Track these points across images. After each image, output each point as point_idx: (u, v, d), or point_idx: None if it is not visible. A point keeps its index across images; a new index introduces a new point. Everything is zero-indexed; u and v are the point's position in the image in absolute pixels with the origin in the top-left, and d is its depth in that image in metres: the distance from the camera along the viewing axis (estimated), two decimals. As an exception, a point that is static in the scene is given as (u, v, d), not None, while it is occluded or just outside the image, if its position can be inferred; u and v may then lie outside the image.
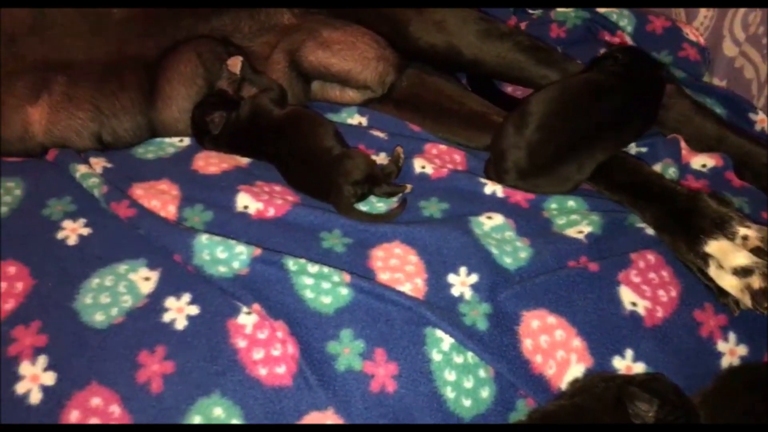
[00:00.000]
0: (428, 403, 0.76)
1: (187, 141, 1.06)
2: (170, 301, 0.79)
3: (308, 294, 0.81)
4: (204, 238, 0.83)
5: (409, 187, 0.96)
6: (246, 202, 0.91)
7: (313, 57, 1.09)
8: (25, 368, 0.73)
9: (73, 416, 0.71)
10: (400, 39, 1.13)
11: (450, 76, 1.19)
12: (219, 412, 0.73)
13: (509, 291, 0.82)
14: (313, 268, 0.81)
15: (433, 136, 1.09)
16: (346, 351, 0.77)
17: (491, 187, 0.97)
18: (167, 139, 1.06)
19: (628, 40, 1.22)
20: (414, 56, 1.14)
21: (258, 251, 0.82)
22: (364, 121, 1.12)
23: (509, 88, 1.19)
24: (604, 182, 0.96)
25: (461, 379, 0.77)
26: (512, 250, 0.87)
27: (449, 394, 0.76)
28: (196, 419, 0.72)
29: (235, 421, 0.73)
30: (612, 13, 1.27)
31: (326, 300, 0.80)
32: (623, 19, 1.25)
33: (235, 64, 1.07)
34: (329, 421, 0.74)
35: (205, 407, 0.73)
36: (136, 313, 0.78)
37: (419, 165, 1.01)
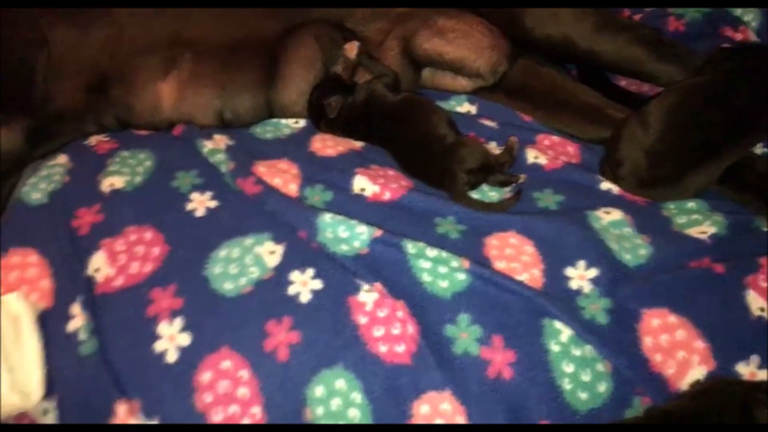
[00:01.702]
0: (544, 392, 0.76)
1: (302, 123, 1.09)
2: (295, 275, 0.83)
3: (425, 277, 0.82)
4: (327, 217, 0.86)
5: (523, 177, 0.96)
6: (363, 184, 0.94)
7: (428, 44, 1.10)
8: (163, 328, 0.78)
9: (206, 377, 0.76)
10: (515, 29, 1.12)
11: (560, 67, 1.18)
12: (341, 384, 0.76)
13: (629, 287, 0.81)
14: (432, 252, 0.83)
15: (545, 127, 1.09)
16: (464, 335, 0.78)
17: (607, 184, 0.96)
18: (283, 120, 1.09)
19: (753, 37, 1.18)
20: (528, 47, 1.13)
21: (378, 232, 0.85)
22: (473, 109, 1.13)
23: (623, 82, 1.17)
24: (730, 183, 0.93)
25: (579, 372, 0.77)
26: (632, 247, 0.86)
27: (566, 385, 0.77)
28: (319, 389, 0.76)
29: (355, 394, 0.75)
30: (735, 9, 1.22)
31: (443, 284, 0.82)
32: (748, 14, 1.19)
33: (352, 49, 1.09)
34: (446, 402, 0.75)
35: (328, 378, 0.76)
36: (263, 284, 0.82)
37: (532, 155, 1.01)
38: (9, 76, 0.96)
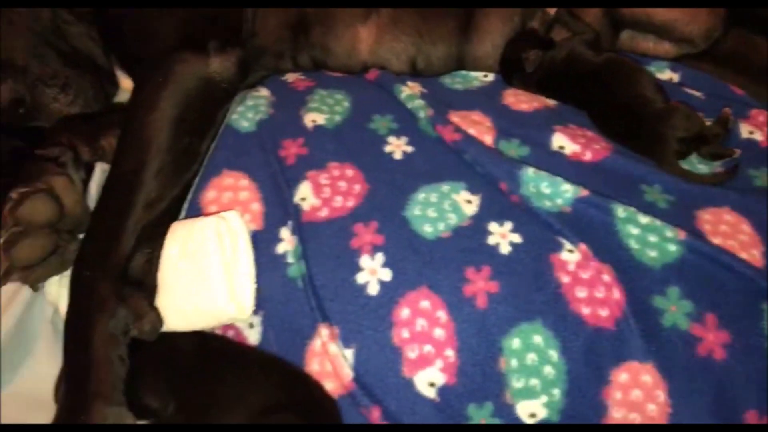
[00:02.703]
0: (757, 382, 0.72)
1: (491, 77, 1.07)
2: (493, 226, 0.82)
3: (633, 244, 0.79)
4: (530, 171, 0.84)
5: (737, 151, 0.90)
6: (562, 142, 0.91)
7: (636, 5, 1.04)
8: (365, 261, 0.80)
9: (404, 313, 0.77)
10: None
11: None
12: (538, 339, 0.75)
13: None
14: (644, 219, 0.79)
15: (760, 102, 1.00)
16: (673, 308, 0.75)
17: (835, 168, 0.88)
18: (473, 73, 1.08)
19: None
20: (746, 14, 1.04)
21: (585, 192, 0.82)
22: (675, 77, 1.05)
23: None
24: None
25: (803, 366, 0.72)
26: None
27: (785, 378, 0.72)
28: (516, 341, 0.75)
29: (552, 352, 0.74)
30: None
31: (652, 253, 0.78)
32: None
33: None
34: (647, 374, 0.73)
35: (526, 332, 0.75)
36: (461, 231, 0.82)
37: (746, 130, 0.93)
38: (224, 8, 1.01)
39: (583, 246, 0.78)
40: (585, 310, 0.75)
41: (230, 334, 0.82)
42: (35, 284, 0.78)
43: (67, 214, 0.78)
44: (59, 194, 0.78)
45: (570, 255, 0.79)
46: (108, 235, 0.77)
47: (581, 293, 0.76)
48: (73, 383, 0.70)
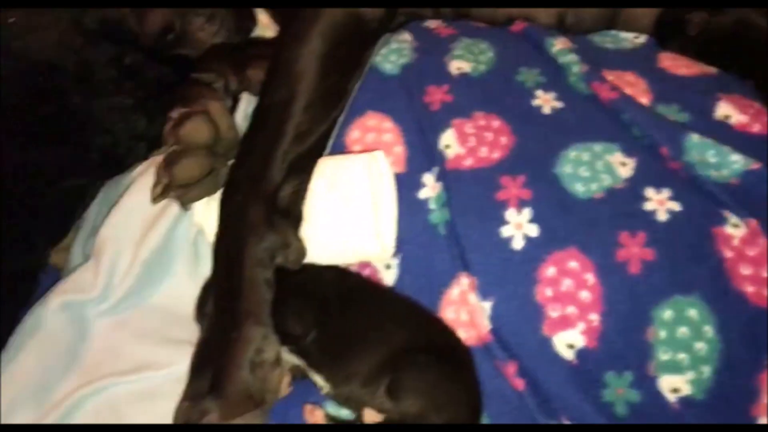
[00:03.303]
0: None
1: (642, 38, 1.00)
2: (650, 192, 0.77)
3: (808, 225, 0.74)
4: (695, 137, 0.79)
5: None
6: (727, 111, 0.84)
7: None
8: (511, 215, 0.78)
9: (550, 272, 0.75)
10: None
11: None
12: (693, 313, 0.71)
13: None
14: (823, 200, 0.73)
15: None
16: None
17: None
18: (623, 33, 1.01)
19: None
20: None
21: (756, 165, 0.76)
22: None
23: None
24: None
25: None
26: None
27: None
28: (668, 313, 0.71)
29: (707, 328, 0.70)
30: None
31: (829, 237, 0.73)
32: None
33: (724, -37, 0.97)
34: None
35: (681, 304, 0.71)
36: (615, 193, 0.78)
37: None
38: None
39: (752, 221, 0.73)
40: (749, 289, 0.70)
41: (366, 272, 0.83)
42: (187, 204, 0.80)
43: (221, 138, 0.80)
44: (215, 118, 0.80)
45: (735, 229, 0.73)
46: (259, 162, 0.78)
47: (746, 271, 0.71)
48: (223, 302, 0.72)
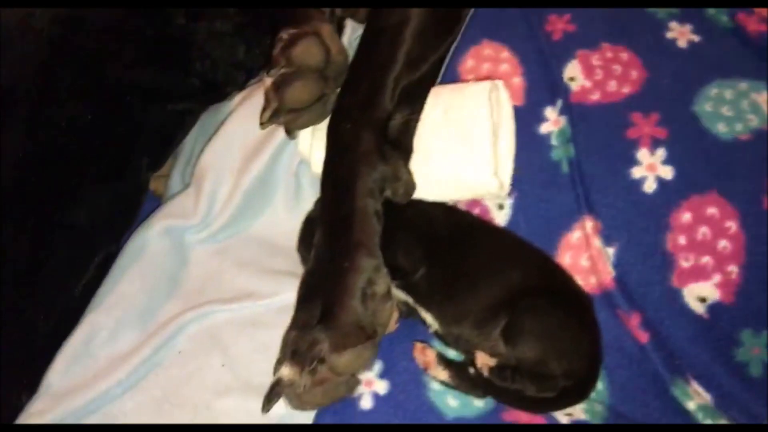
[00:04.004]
0: None
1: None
2: (804, 135, 0.70)
3: None
4: None
5: None
6: None
7: None
8: (643, 155, 0.71)
9: (685, 218, 0.69)
10: None
11: None
12: None
13: None
14: None
15: None
16: None
17: None
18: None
19: None
20: None
21: None
22: None
23: None
24: None
25: None
26: None
27: None
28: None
29: None
30: None
31: None
32: None
33: None
34: None
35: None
36: (763, 135, 0.70)
37: None
38: None
39: None
40: None
41: (475, 212, 0.78)
42: (294, 130, 0.77)
43: (332, 61, 0.75)
44: (325, 40, 0.76)
45: None
46: (370, 89, 0.74)
47: None
48: (333, 232, 0.69)
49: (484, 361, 0.66)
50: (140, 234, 0.82)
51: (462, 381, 0.67)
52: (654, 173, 0.70)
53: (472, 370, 0.66)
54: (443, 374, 0.67)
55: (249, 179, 0.84)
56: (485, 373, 0.65)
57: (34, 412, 0.70)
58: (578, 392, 0.66)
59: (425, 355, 0.67)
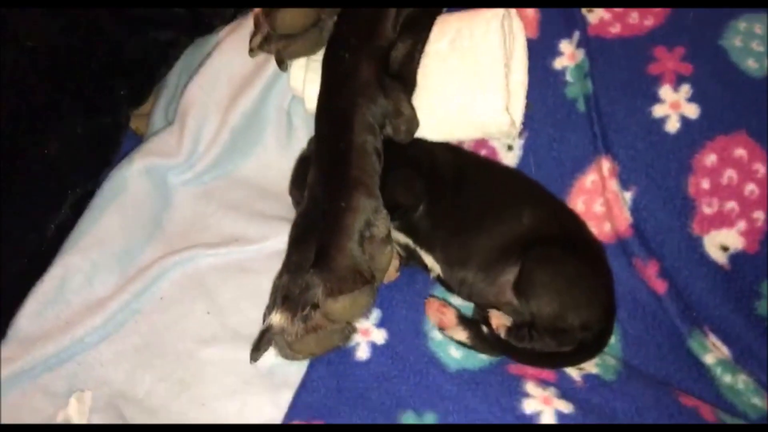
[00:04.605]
0: None
1: None
2: (842, 73, 0.65)
3: None
4: None
5: None
6: None
7: None
8: (666, 92, 0.65)
9: (709, 159, 0.63)
10: None
11: None
12: None
13: None
14: None
15: None
16: None
17: None
18: None
19: None
20: None
21: None
22: None
23: None
24: None
25: None
26: None
27: None
28: None
29: None
30: None
31: None
32: None
33: None
34: None
35: None
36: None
37: None
38: None
39: None
40: None
41: (482, 154, 0.73)
42: (286, 60, 0.70)
43: (328, -16, 0.69)
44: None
45: None
46: (369, 16, 0.67)
47: None
48: (329, 170, 0.63)
49: (499, 321, 0.61)
50: (119, 172, 0.76)
51: (480, 342, 0.62)
52: (677, 111, 0.65)
53: (486, 330, 0.62)
54: (462, 335, 0.62)
55: (236, 116, 0.77)
56: (502, 334, 0.60)
57: (3, 358, 0.65)
58: (596, 344, 0.61)
59: (443, 313, 0.62)
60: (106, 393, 0.64)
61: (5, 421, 0.62)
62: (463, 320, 0.62)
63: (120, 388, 0.64)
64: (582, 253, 0.62)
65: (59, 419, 0.61)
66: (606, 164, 0.66)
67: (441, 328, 0.62)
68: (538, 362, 0.61)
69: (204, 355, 0.67)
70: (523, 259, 0.61)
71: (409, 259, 0.67)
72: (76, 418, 0.61)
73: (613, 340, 0.65)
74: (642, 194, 0.65)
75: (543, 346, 0.59)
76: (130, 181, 0.75)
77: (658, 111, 0.65)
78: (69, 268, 0.69)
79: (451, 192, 0.66)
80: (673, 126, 0.65)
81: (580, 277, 0.60)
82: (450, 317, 0.62)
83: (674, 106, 0.65)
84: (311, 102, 0.70)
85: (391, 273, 0.65)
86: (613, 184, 0.65)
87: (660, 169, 0.65)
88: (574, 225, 0.65)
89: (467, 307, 0.65)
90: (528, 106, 0.69)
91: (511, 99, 0.66)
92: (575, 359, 0.61)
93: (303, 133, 0.79)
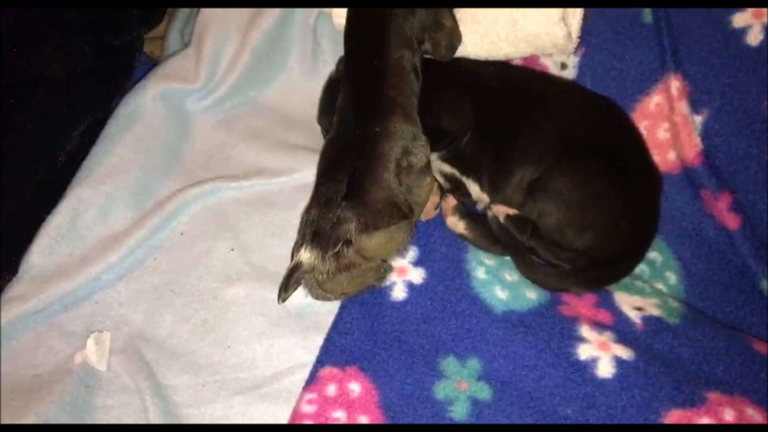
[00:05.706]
0: None
1: None
2: None
3: None
4: None
5: None
6: None
7: None
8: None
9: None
10: None
11: None
12: None
13: None
14: None
15: None
16: None
17: None
18: None
19: None
20: None
21: None
22: None
23: None
24: None
25: None
26: None
27: None
28: None
29: None
30: None
31: None
32: None
33: None
34: None
35: None
36: None
37: None
38: None
39: None
40: None
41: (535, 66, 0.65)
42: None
43: None
44: None
45: None
46: None
47: None
48: (361, 91, 0.57)
49: (500, 209, 0.56)
50: (133, 99, 0.70)
51: (480, 235, 0.58)
52: (761, 21, 0.56)
53: (490, 214, 0.57)
54: (460, 225, 0.58)
55: (258, 35, 0.71)
56: (501, 219, 0.56)
57: (15, 296, 0.61)
58: (604, 275, 0.56)
59: (446, 202, 0.58)
60: (126, 334, 0.60)
61: (20, 363, 0.59)
62: (461, 211, 0.58)
63: (140, 329, 0.61)
64: (621, 174, 0.55)
65: (77, 360, 0.58)
66: (675, 83, 0.58)
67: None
68: (531, 274, 0.56)
69: (228, 295, 0.63)
70: (554, 162, 0.55)
71: (454, 191, 0.61)
72: (95, 359, 0.58)
73: (674, 280, 0.59)
74: (715, 117, 0.58)
75: (541, 253, 0.55)
76: (145, 109, 0.69)
77: (738, 20, 0.57)
78: (82, 201, 0.64)
79: (500, 108, 0.59)
80: (755, 38, 0.56)
81: (602, 200, 0.54)
82: (449, 204, 0.58)
83: (757, 14, 0.56)
84: (340, 16, 0.63)
85: (429, 210, 0.59)
86: (683, 106, 0.58)
87: (738, 89, 0.57)
88: (632, 144, 0.58)
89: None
90: (586, 18, 0.61)
91: (567, 9, 0.58)
92: (578, 282, 0.55)
93: (331, 56, 0.72)
